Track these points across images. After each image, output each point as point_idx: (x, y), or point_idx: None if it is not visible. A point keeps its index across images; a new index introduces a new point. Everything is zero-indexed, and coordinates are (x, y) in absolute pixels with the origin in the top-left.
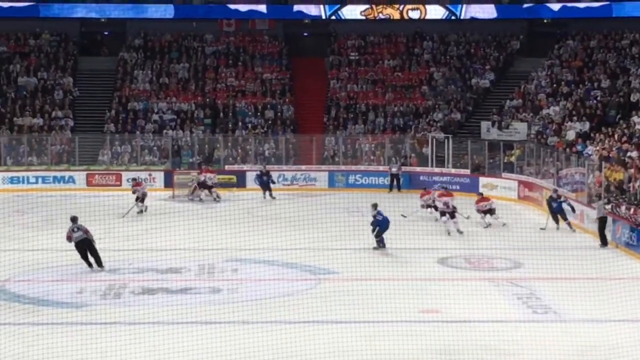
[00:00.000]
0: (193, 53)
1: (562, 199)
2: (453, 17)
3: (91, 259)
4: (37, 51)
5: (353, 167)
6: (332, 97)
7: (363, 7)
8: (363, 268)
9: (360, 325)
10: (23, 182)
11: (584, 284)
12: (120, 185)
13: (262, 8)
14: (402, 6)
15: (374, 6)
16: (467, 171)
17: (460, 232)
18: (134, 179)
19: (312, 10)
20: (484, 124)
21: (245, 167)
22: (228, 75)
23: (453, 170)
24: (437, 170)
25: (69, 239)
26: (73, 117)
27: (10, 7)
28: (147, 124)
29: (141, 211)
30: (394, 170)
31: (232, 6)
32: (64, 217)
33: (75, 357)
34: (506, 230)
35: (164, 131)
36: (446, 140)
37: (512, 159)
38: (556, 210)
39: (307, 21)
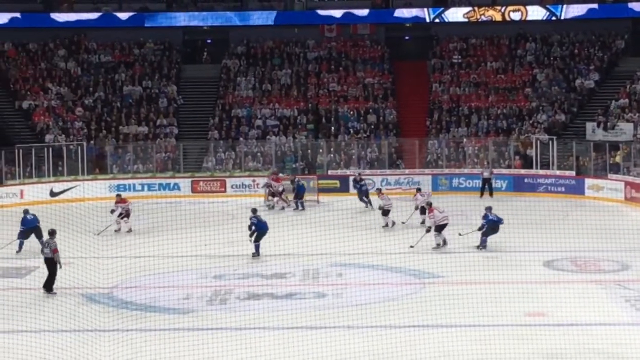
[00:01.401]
0: (295, 59)
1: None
2: (553, 18)
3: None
4: (142, 60)
5: (456, 171)
6: (435, 101)
7: (466, 9)
8: (468, 271)
9: (465, 329)
10: (129, 190)
11: None
12: (224, 191)
13: (364, 13)
14: (503, 8)
15: (476, 8)
16: (573, 173)
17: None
18: (118, 195)
19: (415, 13)
20: (589, 125)
21: (348, 172)
22: (330, 81)
23: (558, 172)
24: (541, 172)
25: (41, 251)
26: (177, 124)
27: (115, 17)
28: (251, 130)
29: (119, 229)
30: (485, 174)
31: (333, 12)
32: (170, 224)
33: None
34: (613, 232)
35: (267, 137)
36: (550, 142)
37: (618, 159)
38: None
39: (408, 25)
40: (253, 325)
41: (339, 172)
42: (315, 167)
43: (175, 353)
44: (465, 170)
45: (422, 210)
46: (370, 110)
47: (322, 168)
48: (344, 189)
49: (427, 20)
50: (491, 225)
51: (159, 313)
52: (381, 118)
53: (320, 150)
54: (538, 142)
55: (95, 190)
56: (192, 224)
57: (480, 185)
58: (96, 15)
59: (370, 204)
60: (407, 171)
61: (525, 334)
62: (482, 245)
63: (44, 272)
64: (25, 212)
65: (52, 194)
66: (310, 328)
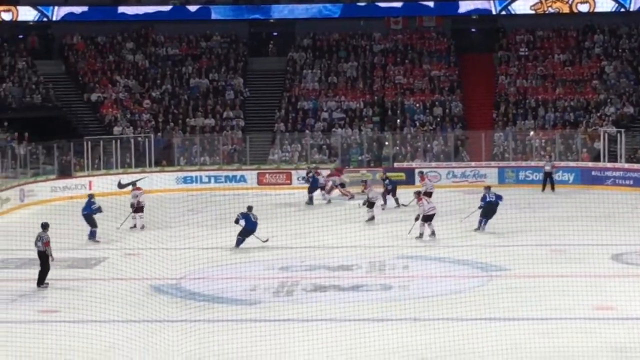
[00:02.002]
0: (361, 51)
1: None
2: (622, 9)
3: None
4: (208, 53)
5: (523, 163)
6: (501, 93)
7: (533, 1)
8: (535, 264)
9: (532, 322)
10: (196, 182)
11: None
12: (290, 183)
13: (430, 4)
14: None
15: (543, 0)
16: None
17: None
18: (132, 183)
19: (480, 5)
20: None
21: (414, 164)
22: (396, 73)
23: (626, 165)
24: (609, 165)
25: (35, 244)
26: (244, 117)
27: (185, 9)
28: (317, 123)
29: (134, 226)
30: (547, 168)
31: (398, 4)
32: (236, 216)
33: (249, 354)
34: None
35: (333, 129)
36: (618, 135)
37: None
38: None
39: (474, 17)
40: (319, 317)
41: (405, 164)
42: (382, 159)
43: (242, 344)
44: (532, 163)
45: (429, 195)
46: (436, 103)
47: (388, 160)
48: (410, 181)
49: (493, 12)
50: (488, 206)
51: (225, 304)
52: (447, 110)
53: (386, 143)
54: (606, 134)
55: (162, 182)
56: (259, 216)
57: (543, 179)
58: (167, 8)
59: (397, 202)
60: (473, 164)
61: (593, 327)
62: (481, 228)
63: (113, 262)
64: (90, 196)
65: (120, 185)
66: (376, 320)
